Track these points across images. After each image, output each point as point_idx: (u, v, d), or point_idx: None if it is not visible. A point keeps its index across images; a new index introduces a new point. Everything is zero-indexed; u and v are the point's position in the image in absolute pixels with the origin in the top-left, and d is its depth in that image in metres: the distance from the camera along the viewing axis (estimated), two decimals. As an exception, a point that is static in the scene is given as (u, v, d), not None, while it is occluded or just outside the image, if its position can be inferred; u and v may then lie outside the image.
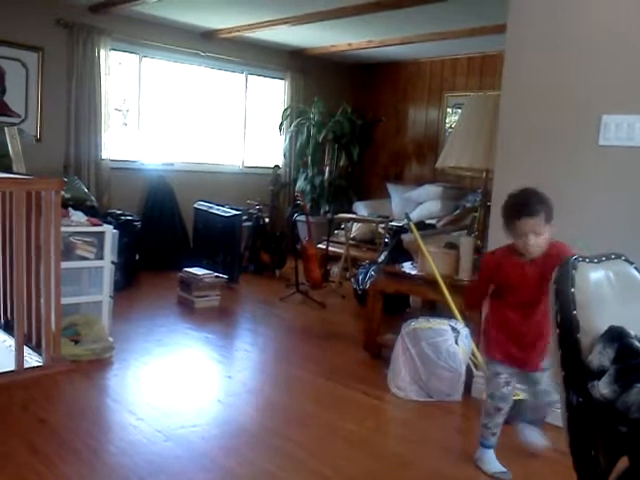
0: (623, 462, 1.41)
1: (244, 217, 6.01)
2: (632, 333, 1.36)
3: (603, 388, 1.27)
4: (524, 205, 2.14)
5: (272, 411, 2.96)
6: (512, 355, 2.31)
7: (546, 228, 2.13)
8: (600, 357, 1.32)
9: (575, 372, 1.35)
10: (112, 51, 6.08)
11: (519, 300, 2.28)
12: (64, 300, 3.38)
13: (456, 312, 3.23)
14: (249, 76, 7.36)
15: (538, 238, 2.12)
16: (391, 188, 7.62)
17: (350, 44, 6.88)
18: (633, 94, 2.65)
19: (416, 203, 6.96)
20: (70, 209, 3.93)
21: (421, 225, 4.82)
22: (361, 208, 7.31)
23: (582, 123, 2.79)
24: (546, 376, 2.34)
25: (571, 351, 1.36)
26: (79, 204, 4.69)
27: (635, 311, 1.55)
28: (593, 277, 1.44)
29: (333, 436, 2.67)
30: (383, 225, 6.05)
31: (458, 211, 6.04)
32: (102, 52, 5.94)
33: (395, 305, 4.42)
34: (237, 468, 2.35)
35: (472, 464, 2.46)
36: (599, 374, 1.31)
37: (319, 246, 5.87)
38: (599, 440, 1.35)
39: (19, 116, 5.65)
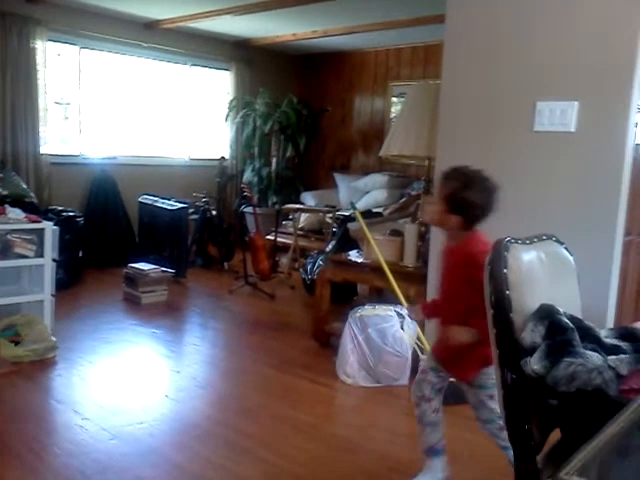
0: (556, 434, 1.47)
1: (190, 210, 5.94)
2: (561, 310, 1.41)
3: (534, 364, 1.32)
4: None
5: (222, 404, 2.95)
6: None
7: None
8: (532, 334, 1.37)
9: (509, 350, 1.40)
10: (49, 42, 5.87)
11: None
12: (3, 300, 3.29)
13: (401, 297, 3.28)
14: (193, 67, 7.25)
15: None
16: (338, 178, 7.66)
17: (294, 34, 6.85)
18: (565, 80, 2.74)
19: (363, 192, 7.02)
20: (7, 206, 3.79)
21: (368, 213, 4.86)
22: (309, 198, 7.33)
23: (518, 110, 2.87)
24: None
25: (505, 330, 1.40)
26: (17, 201, 4.54)
27: (564, 289, 1.61)
28: (525, 258, 1.48)
29: (283, 425, 2.68)
30: (330, 215, 6.07)
31: (404, 199, 6.12)
32: (39, 43, 5.73)
33: (343, 294, 4.46)
34: (186, 462, 2.33)
35: (417, 445, 2.51)
36: (531, 351, 1.36)
37: (267, 237, 5.86)
38: (532, 414, 1.40)
39: (-50, 110, 5.42)
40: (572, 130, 2.72)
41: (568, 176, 2.75)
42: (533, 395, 1.38)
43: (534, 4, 2.81)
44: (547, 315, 1.39)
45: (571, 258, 1.68)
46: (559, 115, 2.76)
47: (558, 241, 1.69)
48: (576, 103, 2.70)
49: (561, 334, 1.35)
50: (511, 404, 1.42)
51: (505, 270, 1.41)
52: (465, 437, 2.60)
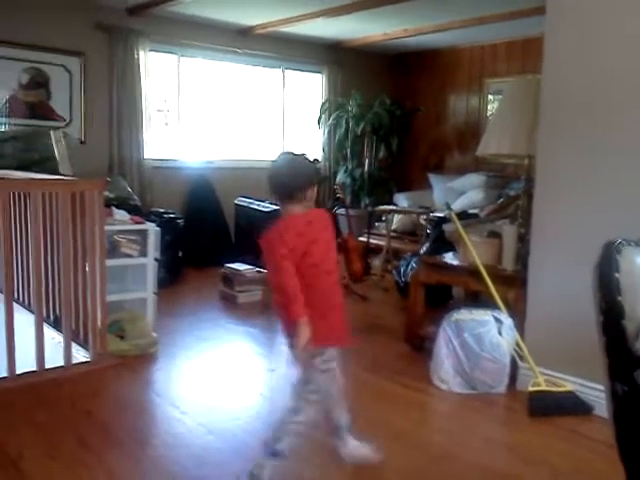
0: (674, 454, 1.35)
1: (284, 212, 6.02)
2: (681, 319, 1.29)
3: (650, 376, 1.22)
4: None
5: (314, 404, 2.95)
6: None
7: None
8: (647, 344, 1.27)
9: (621, 360, 1.30)
10: (151, 52, 6.18)
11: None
12: (110, 297, 3.46)
13: (499, 302, 3.16)
14: (286, 71, 7.38)
15: None
16: (433, 178, 7.52)
17: (386, 33, 6.81)
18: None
19: (458, 193, 6.86)
20: (114, 208, 4.02)
21: (464, 215, 4.73)
22: (402, 199, 7.24)
23: (630, 100, 2.68)
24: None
25: (616, 338, 1.30)
26: (123, 203, 4.80)
27: (685, 296, 1.47)
28: (639, 261, 1.37)
29: (376, 429, 2.64)
30: (424, 216, 5.97)
31: (502, 200, 5.90)
32: (141, 54, 6.04)
33: (438, 297, 4.36)
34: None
35: (515, 456, 2.41)
36: (646, 362, 1.25)
37: (360, 239, 5.84)
38: (648, 431, 1.29)
39: (64, 120, 5.82)
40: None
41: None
42: (648, 410, 1.28)
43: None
44: (664, 323, 1.28)
45: (692, 261, 1.54)
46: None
47: (676, 243, 1.55)
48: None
49: (681, 344, 1.23)
50: (622, 418, 1.32)
51: (617, 274, 1.31)
52: (566, 450, 2.46)
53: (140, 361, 3.42)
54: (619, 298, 1.29)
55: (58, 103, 5.78)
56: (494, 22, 5.88)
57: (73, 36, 5.75)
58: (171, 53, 6.46)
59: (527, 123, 3.25)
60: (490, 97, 7.24)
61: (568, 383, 2.90)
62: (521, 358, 3.08)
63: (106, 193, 4.48)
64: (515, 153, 3.46)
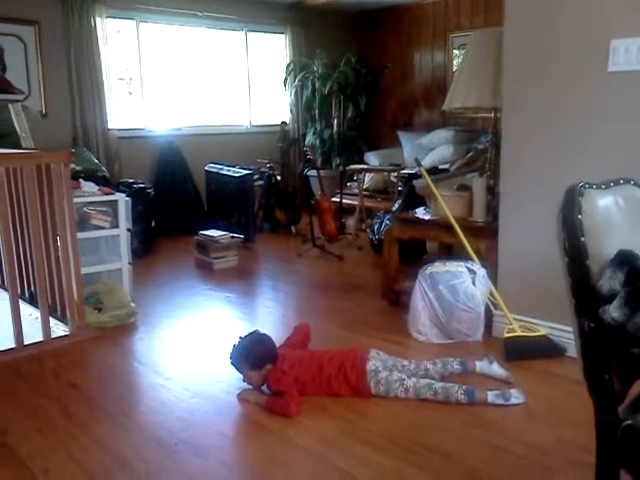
0: (638, 385, 1.42)
1: (255, 176, 6.01)
2: (642, 256, 1.35)
3: (614, 311, 1.27)
4: None
5: (295, 363, 3.00)
6: None
7: None
8: (610, 282, 1.31)
9: (586, 299, 1.35)
10: (108, 19, 6.00)
11: None
12: (84, 270, 3.45)
13: (472, 253, 3.22)
14: (249, 33, 7.24)
15: None
16: (402, 136, 7.53)
17: (349, -10, 6.72)
18: (641, 15, 2.56)
19: (428, 149, 6.89)
20: (81, 180, 3.96)
21: (434, 170, 4.77)
22: (372, 158, 7.25)
23: (589, 50, 2.71)
24: None
25: (581, 278, 1.35)
26: (90, 175, 4.73)
27: (645, 234, 1.53)
28: (601, 203, 1.41)
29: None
30: (395, 174, 6.00)
31: (471, 153, 5.95)
32: (98, 20, 5.87)
33: (412, 252, 4.43)
34: (264, 419, 2.41)
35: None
36: (610, 299, 1.31)
37: (333, 199, 5.86)
38: (613, 364, 1.36)
39: (22, 92, 5.65)
40: (651, 68, 2.55)
41: (647, 117, 2.60)
42: (613, 344, 1.34)
43: None
44: (626, 261, 1.33)
45: (652, 202, 1.59)
46: (635, 53, 2.59)
47: (637, 185, 1.60)
48: (655, 38, 2.52)
49: (642, 280, 1.29)
50: (590, 354, 1.38)
51: (580, 216, 1.35)
52: (541, 391, 2.56)
53: (120, 332, 3.43)
54: (582, 239, 1.34)
55: (14, 75, 5.61)
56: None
57: (25, 4, 5.55)
58: (129, 19, 6.28)
59: (492, 76, 3.27)
60: (455, 52, 7.22)
61: (541, 327, 2.99)
62: (495, 306, 3.17)
63: (73, 165, 4.40)
64: (481, 106, 3.48)
